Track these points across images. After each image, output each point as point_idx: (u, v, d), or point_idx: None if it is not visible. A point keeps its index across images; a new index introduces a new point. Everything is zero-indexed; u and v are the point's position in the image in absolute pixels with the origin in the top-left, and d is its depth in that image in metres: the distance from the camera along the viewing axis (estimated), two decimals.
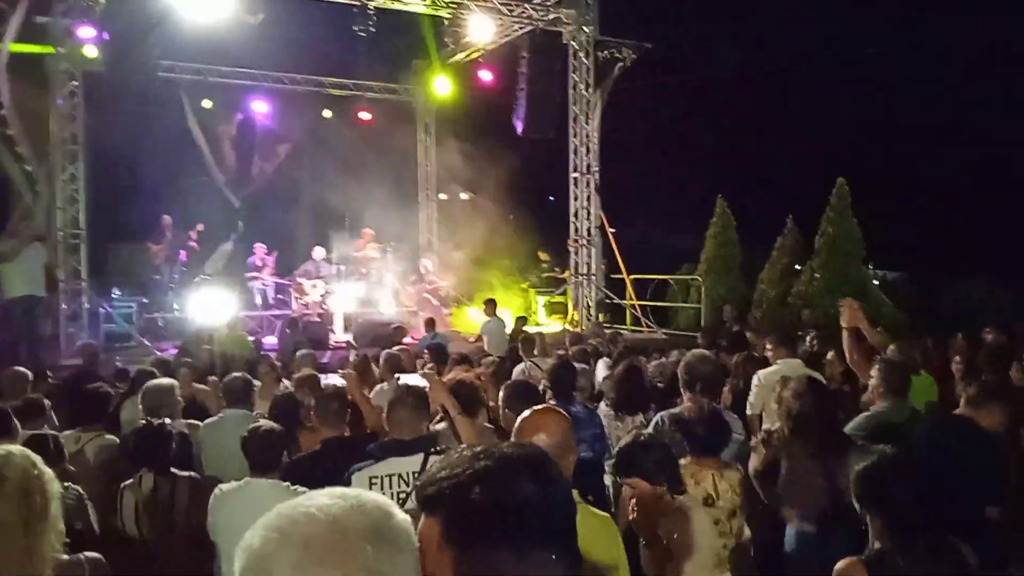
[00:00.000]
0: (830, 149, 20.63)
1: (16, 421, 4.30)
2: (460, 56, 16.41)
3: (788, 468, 4.04)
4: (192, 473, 4.17)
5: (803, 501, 3.96)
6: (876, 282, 15.72)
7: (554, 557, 1.19)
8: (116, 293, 13.98)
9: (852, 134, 22.22)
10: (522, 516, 1.17)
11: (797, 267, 15.22)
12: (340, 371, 5.73)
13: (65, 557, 2.35)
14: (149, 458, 4.07)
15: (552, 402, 4.53)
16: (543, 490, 1.21)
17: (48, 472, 2.37)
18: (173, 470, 4.10)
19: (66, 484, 3.70)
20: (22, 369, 6.36)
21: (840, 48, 20.28)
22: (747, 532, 3.77)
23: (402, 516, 1.13)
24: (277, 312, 14.72)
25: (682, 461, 3.71)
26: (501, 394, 4.25)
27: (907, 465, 2.69)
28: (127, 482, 4.04)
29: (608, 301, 15.33)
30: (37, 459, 2.36)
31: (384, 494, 3.48)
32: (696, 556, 3.08)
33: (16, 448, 2.39)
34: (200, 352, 9.01)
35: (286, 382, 7.01)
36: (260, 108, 17.36)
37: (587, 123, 14.82)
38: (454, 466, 1.23)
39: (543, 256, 18.54)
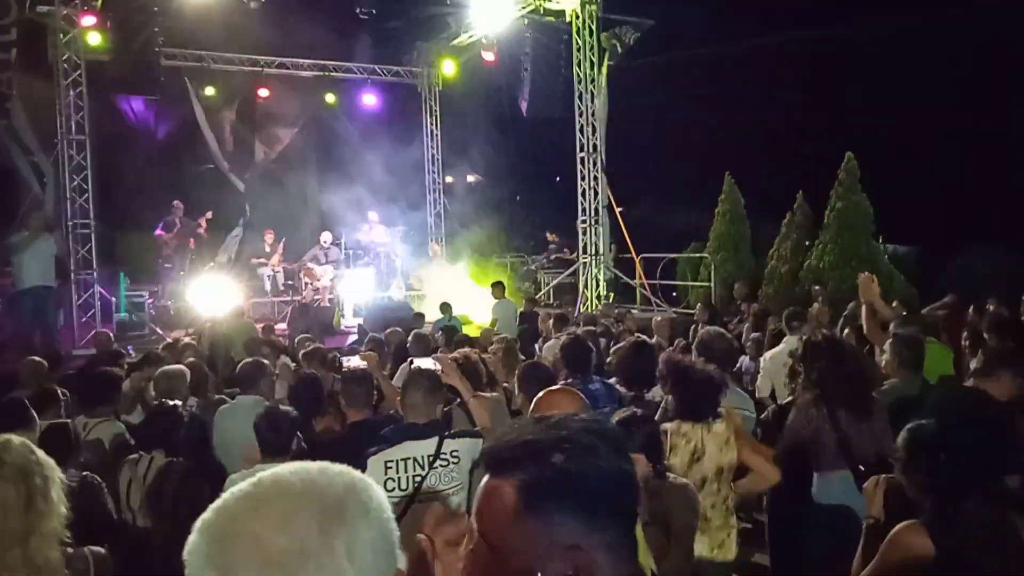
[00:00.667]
0: (840, 123, 20.45)
1: (33, 411, 4.34)
2: (463, 38, 16.31)
3: (794, 415, 4.11)
4: (187, 462, 4.16)
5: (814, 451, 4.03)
6: (887, 256, 15.60)
7: (622, 535, 1.17)
8: (127, 282, 14.05)
9: (862, 108, 22.02)
10: (600, 488, 1.14)
11: (807, 243, 15.13)
12: (360, 353, 5.75)
13: (70, 550, 2.35)
14: (159, 439, 4.10)
15: (566, 381, 4.54)
16: (621, 466, 1.18)
17: (48, 459, 2.38)
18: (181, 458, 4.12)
19: (84, 473, 3.73)
20: (39, 359, 6.41)
21: (848, 21, 20.05)
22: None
23: (357, 508, 1.00)
24: (287, 298, 14.78)
25: (672, 424, 3.79)
26: (516, 376, 4.26)
27: (946, 436, 2.69)
28: (129, 457, 4.07)
29: (618, 281, 15.31)
30: (35, 447, 2.37)
31: (400, 477, 3.53)
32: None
33: (14, 436, 2.40)
34: (205, 339, 9.05)
35: (285, 358, 7.07)
36: (264, 93, 17.33)
37: (592, 102, 14.72)
38: (530, 432, 1.19)
39: (551, 237, 18.50)
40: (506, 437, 1.20)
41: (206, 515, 0.97)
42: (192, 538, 0.95)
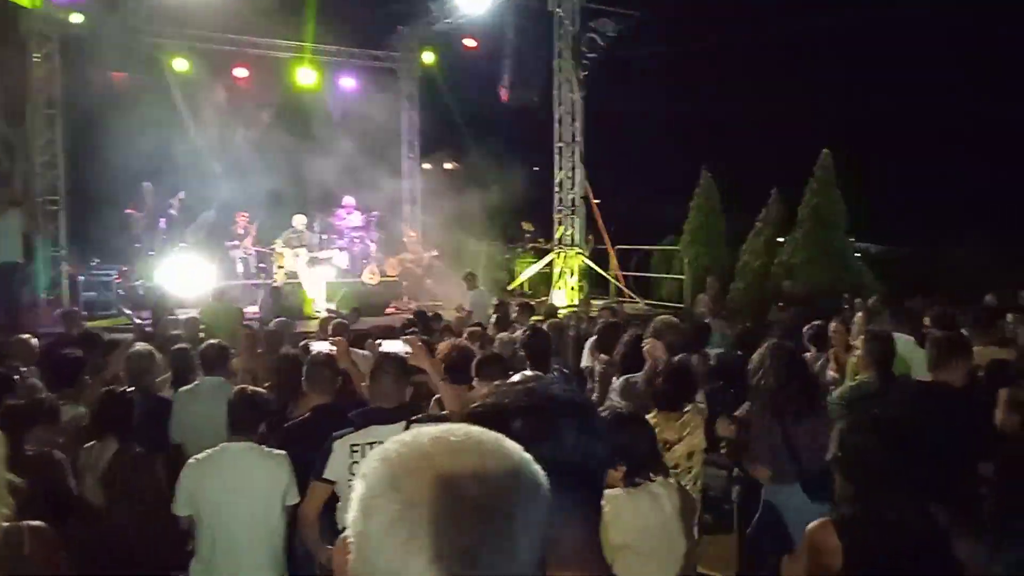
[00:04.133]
0: (817, 120, 20.63)
1: None
2: (445, 23, 16.20)
3: (754, 429, 4.16)
4: (138, 448, 4.10)
5: (768, 461, 4.11)
6: (858, 254, 15.79)
7: (580, 519, 1.14)
8: (95, 260, 13.84)
9: (839, 104, 22.22)
10: (556, 463, 1.08)
11: (780, 239, 15.27)
12: (330, 339, 5.72)
13: (5, 524, 2.31)
14: (112, 425, 4.06)
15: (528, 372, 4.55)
16: (583, 443, 1.16)
17: None
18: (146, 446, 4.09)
19: (45, 449, 3.70)
20: (29, 336, 6.33)
21: (826, 16, 20.20)
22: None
23: (534, 481, 0.97)
24: (259, 281, 14.63)
25: (649, 416, 3.83)
26: (473, 364, 4.27)
27: (883, 429, 2.70)
28: (86, 445, 4.03)
29: (592, 272, 15.35)
30: None
31: (363, 463, 3.52)
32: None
33: None
34: (174, 323, 8.95)
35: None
36: (241, 74, 17.10)
37: (572, 92, 14.71)
38: (502, 395, 1.18)
39: (527, 226, 18.48)
40: (489, 396, 1.20)
41: (392, 446, 0.96)
42: (374, 464, 0.95)
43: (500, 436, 1.00)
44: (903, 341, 5.80)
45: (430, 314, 9.47)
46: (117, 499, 3.91)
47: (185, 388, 5.09)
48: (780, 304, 10.65)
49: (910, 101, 22.12)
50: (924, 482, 2.58)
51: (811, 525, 2.63)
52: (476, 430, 0.99)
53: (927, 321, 6.91)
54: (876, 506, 2.51)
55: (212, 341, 5.34)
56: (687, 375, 4.02)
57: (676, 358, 4.15)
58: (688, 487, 3.80)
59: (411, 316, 8.99)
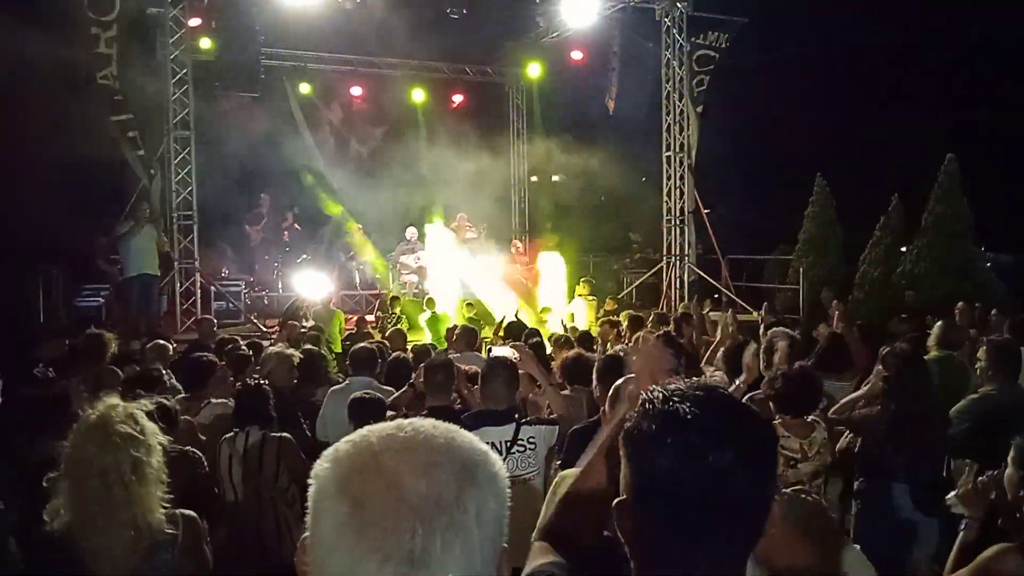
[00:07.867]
0: (940, 124, 19.68)
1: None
2: (552, 36, 16.38)
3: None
4: (284, 433, 4.37)
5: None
6: (988, 264, 14.94)
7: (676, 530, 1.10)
8: (225, 272, 14.69)
9: (965, 106, 21.10)
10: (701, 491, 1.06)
11: (902, 248, 14.63)
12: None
13: (163, 508, 2.53)
14: (251, 416, 4.34)
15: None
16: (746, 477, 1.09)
17: (151, 426, 2.56)
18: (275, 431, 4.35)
19: (185, 448, 4.01)
20: (164, 342, 6.86)
21: (947, 17, 19.26)
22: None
23: (488, 476, 0.97)
24: (375, 291, 15.21)
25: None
26: (595, 368, 4.33)
27: None
28: (227, 435, 4.32)
29: (702, 282, 15.12)
30: (139, 414, 2.55)
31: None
32: None
33: (118, 402, 2.57)
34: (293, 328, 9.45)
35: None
36: (356, 92, 17.81)
37: (680, 101, 14.59)
38: (673, 395, 1.15)
39: (634, 237, 18.39)
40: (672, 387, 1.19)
41: (342, 446, 0.97)
42: (324, 464, 0.96)
43: (454, 429, 0.98)
44: None
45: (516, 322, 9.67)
46: (257, 481, 4.19)
47: (335, 387, 5.41)
48: (902, 315, 10.24)
49: None
50: None
51: (989, 551, 2.43)
52: (428, 424, 0.97)
53: None
54: None
55: (364, 344, 5.74)
56: (812, 381, 3.90)
57: (798, 364, 4.04)
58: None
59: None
